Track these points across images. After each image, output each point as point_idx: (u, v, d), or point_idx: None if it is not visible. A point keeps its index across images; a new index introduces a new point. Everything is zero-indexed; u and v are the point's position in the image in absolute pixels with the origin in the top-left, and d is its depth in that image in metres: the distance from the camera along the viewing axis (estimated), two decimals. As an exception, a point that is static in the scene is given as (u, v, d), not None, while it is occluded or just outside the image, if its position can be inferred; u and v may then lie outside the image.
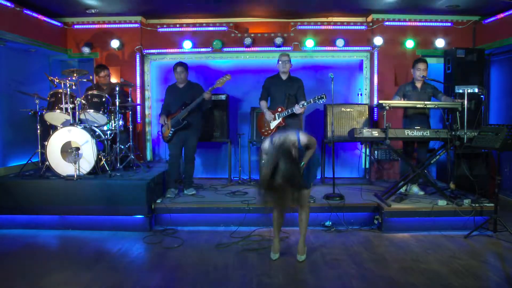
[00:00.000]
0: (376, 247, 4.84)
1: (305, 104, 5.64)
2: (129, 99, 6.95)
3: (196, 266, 4.28)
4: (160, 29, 7.57)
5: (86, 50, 7.37)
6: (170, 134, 6.06)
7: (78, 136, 5.65)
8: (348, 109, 6.96)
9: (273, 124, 5.86)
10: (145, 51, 7.60)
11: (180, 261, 4.41)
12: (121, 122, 6.48)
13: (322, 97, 5.52)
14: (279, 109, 5.83)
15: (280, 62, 5.94)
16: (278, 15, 7.47)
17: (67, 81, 5.78)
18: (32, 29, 6.62)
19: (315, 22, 7.50)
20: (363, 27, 7.48)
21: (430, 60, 6.43)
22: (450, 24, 7.39)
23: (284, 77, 5.98)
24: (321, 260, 4.43)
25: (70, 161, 5.60)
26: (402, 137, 5.66)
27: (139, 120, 7.62)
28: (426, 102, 5.72)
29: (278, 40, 7.27)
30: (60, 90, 5.83)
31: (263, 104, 6.00)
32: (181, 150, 6.23)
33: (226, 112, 7.25)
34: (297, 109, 5.63)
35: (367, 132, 5.58)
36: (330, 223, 5.52)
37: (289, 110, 5.72)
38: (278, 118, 5.81)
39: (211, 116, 7.16)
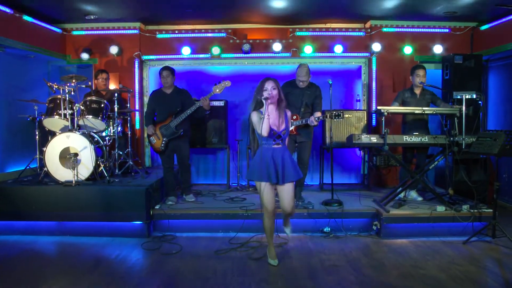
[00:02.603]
0: (375, 253, 4.83)
1: (320, 118, 5.51)
2: (128, 105, 6.96)
3: (194, 272, 4.27)
4: (159, 35, 7.58)
5: (85, 56, 7.36)
6: (163, 145, 5.91)
7: (77, 142, 5.65)
8: (347, 115, 6.93)
9: None
10: (144, 57, 7.60)
11: (179, 268, 4.40)
12: (119, 128, 6.49)
13: (339, 115, 5.43)
14: (294, 117, 5.67)
15: (298, 79, 5.70)
16: (276, 21, 7.49)
17: (66, 87, 5.79)
18: (31, 35, 6.63)
19: (313, 28, 7.53)
20: (361, 33, 7.50)
21: (428, 66, 6.45)
22: (448, 30, 7.42)
23: (302, 85, 5.76)
24: (320, 266, 4.42)
25: (69, 167, 5.59)
26: (401, 143, 5.67)
27: (137, 126, 7.61)
28: (424, 108, 5.73)
29: (277, 46, 7.28)
30: (59, 96, 5.83)
31: None
32: (174, 159, 6.14)
33: (225, 118, 7.24)
34: (312, 121, 5.43)
35: (365, 138, 5.59)
36: (329, 229, 5.51)
37: (303, 121, 5.60)
38: (291, 126, 5.65)
39: (210, 123, 7.15)
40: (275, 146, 4.27)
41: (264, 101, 4.15)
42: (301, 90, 5.76)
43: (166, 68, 5.99)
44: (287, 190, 4.33)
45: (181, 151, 6.03)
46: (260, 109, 4.26)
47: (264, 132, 4.15)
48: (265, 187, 4.26)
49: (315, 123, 5.45)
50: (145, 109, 7.54)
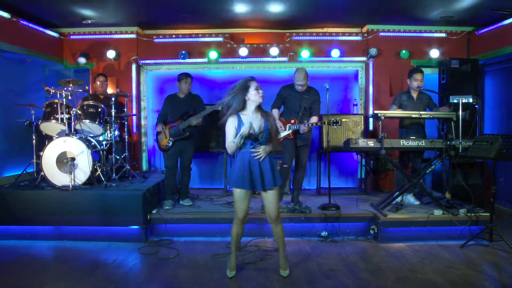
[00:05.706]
0: (372, 257, 4.83)
1: (314, 124, 5.64)
2: (125, 110, 6.95)
3: (191, 277, 4.26)
4: (156, 40, 7.59)
5: (82, 60, 7.36)
6: (169, 144, 5.98)
7: (74, 146, 5.64)
8: (344, 120, 6.93)
9: (281, 134, 5.75)
10: (141, 61, 7.61)
11: (176, 272, 4.38)
12: (116, 133, 6.47)
13: (337, 122, 5.54)
14: (292, 121, 5.75)
15: (296, 83, 5.74)
16: (273, 26, 7.50)
17: (63, 91, 5.77)
18: (28, 40, 6.63)
19: (310, 33, 7.55)
20: (358, 38, 7.52)
21: (424, 71, 6.46)
22: (444, 34, 7.45)
23: (301, 89, 5.79)
24: (318, 270, 4.41)
25: (66, 171, 5.57)
26: (397, 147, 5.67)
27: (134, 130, 7.61)
28: (421, 112, 5.74)
29: (274, 51, 7.29)
30: (56, 100, 5.83)
31: (275, 113, 5.85)
32: (177, 161, 6.18)
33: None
34: (303, 129, 5.61)
35: (362, 142, 5.59)
36: (326, 233, 5.50)
37: (295, 126, 5.68)
38: (288, 130, 5.74)
39: (207, 127, 7.14)
40: (253, 150, 4.06)
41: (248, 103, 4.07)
42: (300, 94, 5.79)
43: (189, 74, 6.12)
44: (269, 197, 4.11)
45: (185, 152, 6.10)
46: (238, 113, 4.07)
47: (230, 150, 4.05)
48: (239, 194, 4.08)
49: (306, 129, 5.63)
50: (143, 114, 7.72)
